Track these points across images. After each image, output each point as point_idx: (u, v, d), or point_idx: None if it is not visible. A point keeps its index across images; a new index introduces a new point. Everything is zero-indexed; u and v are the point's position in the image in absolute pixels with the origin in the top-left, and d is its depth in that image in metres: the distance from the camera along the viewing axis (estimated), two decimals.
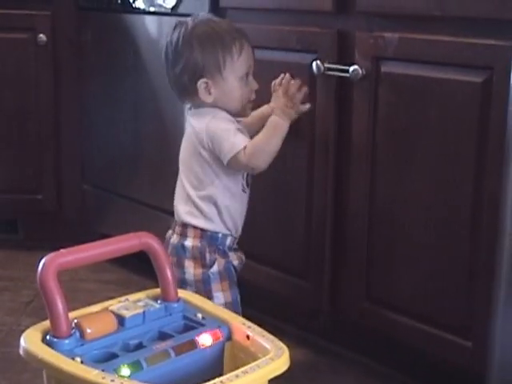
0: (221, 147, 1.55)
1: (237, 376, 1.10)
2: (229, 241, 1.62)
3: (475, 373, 1.50)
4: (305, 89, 1.65)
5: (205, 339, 1.22)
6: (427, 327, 1.62)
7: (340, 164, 1.75)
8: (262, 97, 1.73)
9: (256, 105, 1.69)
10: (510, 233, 1.35)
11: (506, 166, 1.35)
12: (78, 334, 1.18)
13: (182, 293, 1.35)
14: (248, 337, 1.23)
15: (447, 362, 1.63)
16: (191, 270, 1.59)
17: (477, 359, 1.51)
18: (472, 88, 1.48)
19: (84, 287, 2.30)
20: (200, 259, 1.59)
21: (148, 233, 1.30)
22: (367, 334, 1.84)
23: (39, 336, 1.19)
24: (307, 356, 1.91)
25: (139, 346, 1.21)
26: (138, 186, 2.34)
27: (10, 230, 2.69)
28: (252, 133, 1.67)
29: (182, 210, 1.62)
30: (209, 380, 1.09)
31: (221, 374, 1.15)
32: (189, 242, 1.60)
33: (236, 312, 1.49)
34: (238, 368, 1.13)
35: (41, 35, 2.43)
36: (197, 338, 1.21)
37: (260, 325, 1.26)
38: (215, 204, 1.59)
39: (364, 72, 1.64)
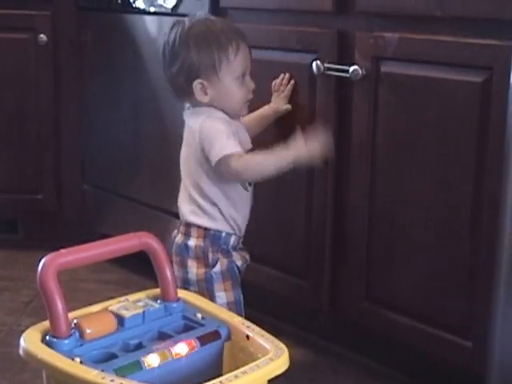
0: (211, 148, 1.53)
1: (236, 376, 1.10)
2: (232, 240, 1.62)
3: (475, 373, 1.50)
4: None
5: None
6: (427, 327, 1.62)
7: (340, 164, 1.75)
8: (262, 97, 1.73)
9: (256, 105, 1.69)
10: (510, 233, 1.35)
11: (505, 166, 1.35)
12: (77, 334, 1.19)
13: (181, 293, 1.35)
14: (247, 337, 1.23)
15: (447, 361, 1.63)
16: (194, 269, 1.59)
17: (477, 359, 1.51)
18: (472, 88, 1.48)
19: (84, 287, 2.30)
20: (203, 259, 1.59)
21: (148, 233, 1.31)
22: (367, 334, 1.84)
23: (39, 336, 1.19)
24: (307, 356, 1.91)
25: (139, 346, 1.21)
26: (138, 186, 2.34)
27: (10, 229, 2.69)
28: (252, 133, 1.67)
29: (186, 210, 1.62)
30: (208, 380, 1.09)
31: (220, 374, 1.15)
32: (192, 242, 1.60)
33: (238, 312, 1.49)
34: (237, 368, 1.13)
35: (41, 35, 2.43)
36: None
37: (260, 325, 1.26)
38: (217, 203, 1.59)
39: (364, 72, 1.64)
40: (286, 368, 1.15)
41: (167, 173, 2.09)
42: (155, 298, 1.31)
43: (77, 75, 2.49)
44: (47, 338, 1.18)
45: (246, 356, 1.22)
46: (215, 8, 1.95)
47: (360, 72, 1.64)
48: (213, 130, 1.54)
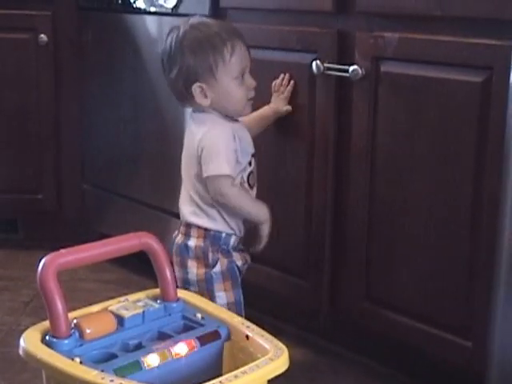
0: (208, 161, 1.54)
1: (236, 376, 1.10)
2: (233, 240, 1.62)
3: (475, 373, 1.50)
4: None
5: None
6: (427, 327, 1.62)
7: (340, 164, 1.75)
8: (262, 97, 1.73)
9: (256, 105, 1.69)
10: (510, 233, 1.35)
11: (505, 166, 1.35)
12: (77, 334, 1.19)
13: (181, 293, 1.35)
14: (247, 337, 1.23)
15: (447, 361, 1.63)
16: (194, 269, 1.59)
17: (477, 359, 1.51)
18: (472, 88, 1.48)
19: (84, 287, 2.30)
20: (203, 259, 1.59)
21: (148, 233, 1.31)
22: (367, 334, 1.84)
23: (39, 336, 1.19)
24: (307, 356, 1.91)
25: (139, 346, 1.21)
26: (138, 185, 2.34)
27: (10, 229, 2.69)
28: (251, 133, 1.67)
29: (186, 211, 1.62)
30: (208, 380, 1.09)
31: (220, 374, 1.15)
32: (192, 242, 1.60)
33: (238, 313, 1.49)
34: (237, 368, 1.13)
35: (41, 35, 2.43)
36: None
37: (260, 325, 1.26)
38: (216, 205, 1.59)
39: (364, 72, 1.64)
40: (286, 368, 1.15)
41: (167, 173, 2.09)
42: (155, 298, 1.31)
43: (77, 75, 2.49)
44: (47, 338, 1.18)
45: (245, 356, 1.22)
46: (215, 8, 1.95)
47: (360, 72, 1.64)
48: (214, 148, 1.55)
